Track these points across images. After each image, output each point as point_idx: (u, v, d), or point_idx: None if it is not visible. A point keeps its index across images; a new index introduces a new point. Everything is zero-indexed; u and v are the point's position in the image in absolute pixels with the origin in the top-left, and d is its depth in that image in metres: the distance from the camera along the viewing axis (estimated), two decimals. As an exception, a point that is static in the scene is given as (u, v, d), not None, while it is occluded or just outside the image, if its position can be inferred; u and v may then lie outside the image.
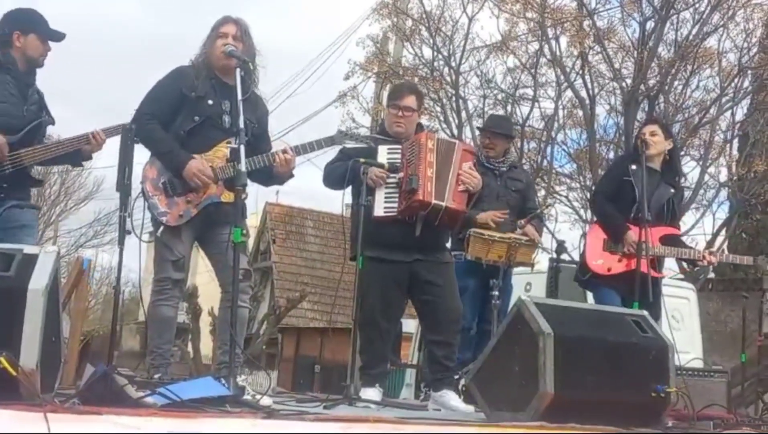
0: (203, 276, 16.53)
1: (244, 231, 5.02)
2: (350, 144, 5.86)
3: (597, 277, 6.49)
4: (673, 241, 6.56)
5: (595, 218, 6.85)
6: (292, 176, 5.46)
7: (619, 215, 6.46)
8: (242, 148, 4.66)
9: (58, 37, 5.31)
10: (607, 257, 6.45)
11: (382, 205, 5.64)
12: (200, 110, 5.23)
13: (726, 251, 9.36)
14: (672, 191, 6.61)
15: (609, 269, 6.44)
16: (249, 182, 4.95)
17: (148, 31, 51.78)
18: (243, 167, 4.57)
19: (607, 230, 6.53)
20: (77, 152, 5.34)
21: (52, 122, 5.40)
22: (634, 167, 6.44)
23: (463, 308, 5.97)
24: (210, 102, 5.24)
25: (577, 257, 7.56)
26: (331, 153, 5.94)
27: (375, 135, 5.85)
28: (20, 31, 5.18)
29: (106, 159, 5.42)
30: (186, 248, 5.27)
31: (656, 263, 6.37)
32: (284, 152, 5.23)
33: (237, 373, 4.38)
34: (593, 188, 8.57)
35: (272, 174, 5.35)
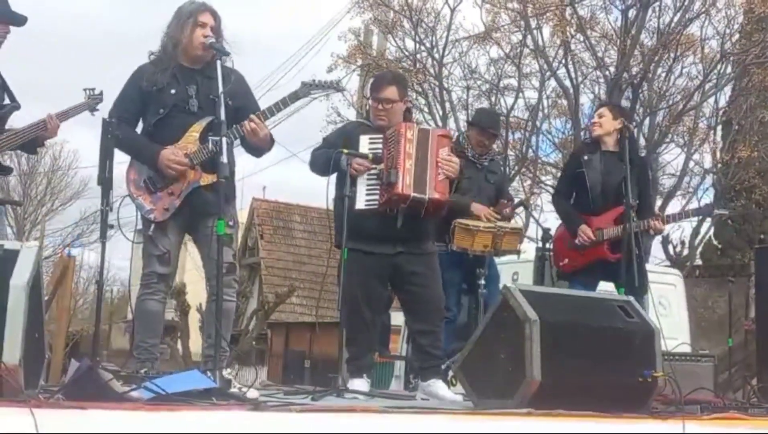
0: (191, 273, 16.45)
1: (231, 222, 5.02)
2: (332, 131, 5.81)
3: (568, 275, 6.80)
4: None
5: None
6: (271, 142, 5.39)
7: (573, 211, 6.72)
8: (224, 140, 4.65)
9: (18, 20, 5.22)
10: (571, 254, 6.72)
11: (363, 197, 5.61)
12: (164, 102, 5.20)
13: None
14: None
15: (574, 266, 6.70)
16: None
17: (117, 25, 51.40)
18: (225, 158, 4.58)
19: (566, 227, 6.82)
20: (33, 140, 5.33)
21: (18, 107, 5.34)
22: (586, 157, 6.69)
23: (446, 299, 5.98)
24: (173, 91, 5.21)
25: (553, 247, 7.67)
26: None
27: (338, 82, 5.74)
28: None
29: (92, 158, 5.41)
30: (172, 243, 5.24)
31: (612, 245, 6.47)
32: (249, 121, 5.16)
33: (222, 366, 4.37)
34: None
35: (250, 145, 5.30)
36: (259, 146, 5.35)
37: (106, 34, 53.11)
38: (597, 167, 6.55)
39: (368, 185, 5.64)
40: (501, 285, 5.78)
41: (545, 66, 17.21)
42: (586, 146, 7.16)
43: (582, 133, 16.81)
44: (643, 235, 6.64)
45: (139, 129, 5.34)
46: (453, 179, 5.79)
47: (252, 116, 5.16)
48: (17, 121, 5.41)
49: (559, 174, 18.85)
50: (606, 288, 6.62)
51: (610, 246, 6.45)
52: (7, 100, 5.33)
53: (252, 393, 4.17)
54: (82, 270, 29.16)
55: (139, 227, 5.31)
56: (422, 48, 18.04)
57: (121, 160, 4.99)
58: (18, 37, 5.31)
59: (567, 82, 16.92)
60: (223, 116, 4.74)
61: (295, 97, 5.30)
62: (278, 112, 5.26)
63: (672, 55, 16.47)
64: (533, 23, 16.77)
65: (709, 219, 18.00)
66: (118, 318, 30.29)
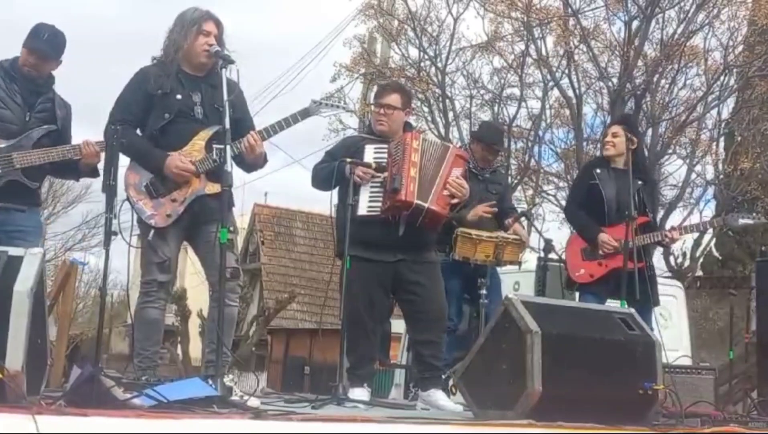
0: (192, 278, 16.48)
1: (231, 228, 5.01)
2: (334, 145, 5.81)
3: (582, 286, 6.68)
4: (645, 230, 6.65)
5: (572, 231, 7.09)
6: (264, 161, 5.39)
7: (591, 221, 6.69)
8: (228, 148, 4.64)
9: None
10: (587, 264, 6.65)
11: (366, 204, 5.62)
12: (169, 107, 5.20)
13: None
14: (639, 183, 6.72)
15: (592, 276, 6.61)
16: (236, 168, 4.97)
17: (118, 25, 51.39)
18: (229, 167, 4.58)
19: (582, 237, 6.74)
20: (74, 166, 5.38)
21: (53, 129, 5.40)
22: (599, 170, 6.72)
23: (449, 309, 5.98)
24: (178, 97, 5.21)
25: (565, 257, 7.65)
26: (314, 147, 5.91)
27: (345, 104, 5.74)
28: (22, 44, 5.37)
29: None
30: (172, 250, 5.24)
31: (635, 254, 6.42)
32: (249, 137, 5.16)
33: (224, 373, 4.37)
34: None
35: (244, 162, 5.29)
36: (252, 164, 5.36)
37: (107, 34, 53.15)
38: (609, 181, 6.60)
39: (371, 192, 5.65)
40: (502, 295, 5.79)
41: (548, 76, 17.23)
42: (597, 160, 7.23)
43: (585, 144, 16.84)
44: (649, 247, 6.73)
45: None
46: (457, 202, 5.80)
47: (252, 132, 5.18)
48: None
49: (560, 184, 18.93)
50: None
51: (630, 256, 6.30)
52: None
53: (253, 401, 4.17)
54: (82, 274, 29.14)
55: (136, 231, 5.24)
56: (426, 56, 18.07)
57: (122, 163, 4.98)
58: (19, 36, 5.40)
59: (570, 93, 16.92)
60: (228, 125, 4.73)
61: (305, 114, 5.33)
62: (288, 127, 5.27)
63: (675, 66, 16.47)
64: (536, 33, 16.79)
65: (710, 231, 17.99)
66: (118, 322, 30.30)
